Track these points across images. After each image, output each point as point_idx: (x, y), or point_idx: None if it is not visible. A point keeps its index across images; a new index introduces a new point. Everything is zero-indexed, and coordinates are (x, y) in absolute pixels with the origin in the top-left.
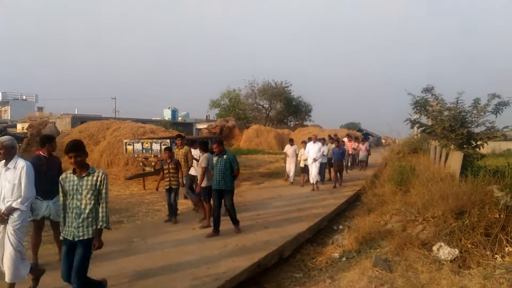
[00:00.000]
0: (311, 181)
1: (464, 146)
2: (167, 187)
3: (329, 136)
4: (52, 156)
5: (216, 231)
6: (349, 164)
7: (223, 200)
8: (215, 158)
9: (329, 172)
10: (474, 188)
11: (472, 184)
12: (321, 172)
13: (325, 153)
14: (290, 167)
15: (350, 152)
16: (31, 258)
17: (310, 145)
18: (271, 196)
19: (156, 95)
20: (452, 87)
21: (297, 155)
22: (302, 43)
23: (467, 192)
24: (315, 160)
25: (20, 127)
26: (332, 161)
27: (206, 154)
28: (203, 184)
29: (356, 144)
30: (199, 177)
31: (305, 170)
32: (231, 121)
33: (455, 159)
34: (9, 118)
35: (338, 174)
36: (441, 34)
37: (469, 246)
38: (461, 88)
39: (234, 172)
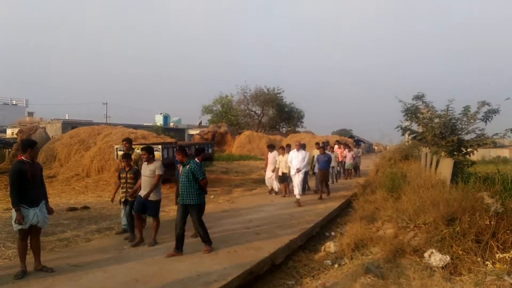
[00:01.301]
0: (296, 195)
1: (455, 153)
2: (123, 199)
3: (316, 143)
4: (34, 161)
5: (178, 250)
6: (340, 171)
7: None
8: (181, 168)
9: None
10: (465, 194)
11: (463, 190)
12: (303, 182)
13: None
14: (271, 177)
15: (340, 160)
16: (19, 266)
17: (293, 153)
18: (263, 203)
19: (148, 101)
20: (444, 90)
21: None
22: (294, 50)
23: (457, 198)
24: (298, 170)
25: (9, 132)
26: (316, 170)
27: (156, 162)
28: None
29: (341, 151)
30: (148, 188)
31: (284, 179)
32: (223, 127)
33: (446, 166)
34: None
35: (323, 184)
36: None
37: (460, 252)
38: (451, 91)
39: (200, 183)
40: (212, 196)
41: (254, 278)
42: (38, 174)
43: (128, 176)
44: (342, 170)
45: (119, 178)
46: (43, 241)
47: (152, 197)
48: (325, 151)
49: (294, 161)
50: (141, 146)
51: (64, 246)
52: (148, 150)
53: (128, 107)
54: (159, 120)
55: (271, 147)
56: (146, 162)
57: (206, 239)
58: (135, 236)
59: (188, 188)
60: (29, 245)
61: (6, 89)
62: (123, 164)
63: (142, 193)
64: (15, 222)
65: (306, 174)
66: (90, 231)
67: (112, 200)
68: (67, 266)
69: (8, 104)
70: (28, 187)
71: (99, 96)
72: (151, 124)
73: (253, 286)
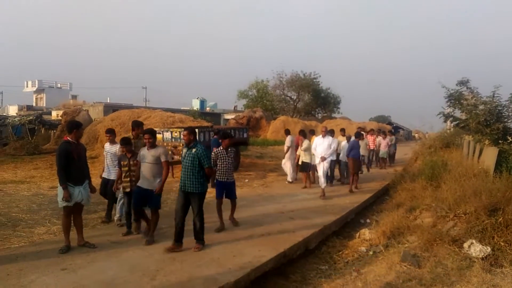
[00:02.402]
0: (321, 186)
1: (500, 141)
2: (127, 189)
3: (341, 129)
4: (79, 142)
5: (178, 243)
6: (371, 160)
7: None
8: (184, 151)
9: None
10: (509, 185)
11: (507, 180)
12: (330, 172)
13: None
14: (286, 164)
15: (372, 148)
16: (64, 241)
17: (318, 139)
18: (297, 188)
19: (186, 85)
20: (488, 82)
21: (297, 148)
22: (333, 34)
23: (501, 188)
24: (323, 159)
25: (54, 114)
26: (343, 159)
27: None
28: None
29: (373, 138)
30: (150, 176)
31: (304, 168)
32: (259, 112)
33: (490, 155)
34: (44, 105)
35: (354, 175)
36: (477, 32)
37: (502, 244)
38: (498, 76)
39: (206, 171)
40: (247, 180)
41: (288, 261)
42: (82, 155)
43: (131, 163)
44: (375, 158)
45: (120, 166)
46: (86, 218)
47: (152, 185)
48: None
49: (319, 148)
50: (181, 130)
51: (106, 223)
52: (152, 133)
53: (167, 92)
54: (196, 105)
55: (287, 132)
56: (148, 147)
57: (200, 236)
58: (136, 230)
59: (192, 174)
60: (72, 222)
61: (51, 73)
62: (123, 150)
63: (142, 182)
64: (62, 199)
65: (332, 163)
66: None
67: (115, 190)
68: (108, 242)
69: (53, 87)
70: (74, 167)
71: (139, 80)
72: (188, 108)
73: (286, 269)
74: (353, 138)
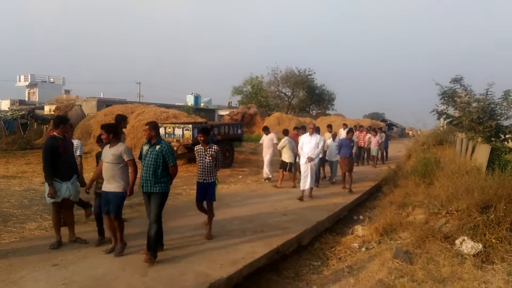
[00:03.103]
0: (302, 187)
1: (492, 139)
2: (98, 190)
3: (328, 125)
4: (66, 137)
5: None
6: (360, 158)
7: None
8: (145, 148)
9: (324, 171)
10: (501, 182)
11: (499, 178)
12: (316, 173)
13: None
14: (264, 161)
15: (361, 145)
16: (55, 237)
17: (305, 138)
18: (291, 184)
19: (180, 81)
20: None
21: (275, 146)
22: (327, 31)
23: (493, 186)
24: (310, 159)
25: (47, 109)
26: (331, 158)
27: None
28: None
29: (363, 135)
30: (110, 178)
31: (284, 166)
32: (253, 108)
33: (482, 152)
34: (37, 100)
35: (346, 174)
36: (473, 26)
37: (494, 241)
38: (491, 80)
39: (170, 169)
40: (241, 177)
41: (281, 257)
42: (69, 150)
43: None
44: (366, 156)
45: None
46: (78, 214)
47: (113, 187)
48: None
49: (306, 147)
50: (175, 125)
51: None
52: (108, 129)
53: (160, 87)
54: (190, 100)
55: (266, 129)
56: (108, 145)
57: (154, 246)
58: (103, 239)
59: (154, 173)
60: (62, 218)
61: (44, 67)
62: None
63: (106, 186)
64: (48, 195)
65: (320, 163)
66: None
67: (87, 191)
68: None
69: (46, 81)
70: (60, 162)
71: (133, 75)
72: (182, 104)
73: (279, 265)
74: (341, 136)
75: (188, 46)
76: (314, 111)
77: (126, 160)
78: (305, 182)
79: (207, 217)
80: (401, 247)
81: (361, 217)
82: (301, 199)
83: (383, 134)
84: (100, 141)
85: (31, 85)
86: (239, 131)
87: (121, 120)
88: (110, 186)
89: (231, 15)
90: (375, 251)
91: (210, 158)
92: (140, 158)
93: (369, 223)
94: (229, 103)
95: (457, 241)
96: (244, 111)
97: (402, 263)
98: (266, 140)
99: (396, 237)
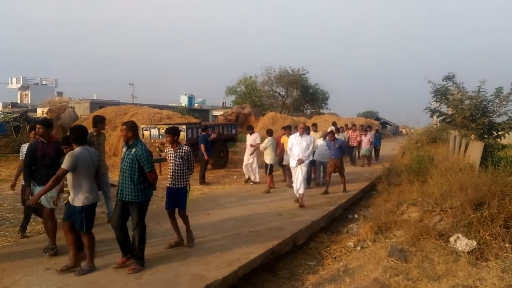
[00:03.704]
0: (296, 192)
1: (485, 136)
2: (65, 201)
3: (313, 124)
4: (51, 140)
5: (126, 254)
6: (354, 158)
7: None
8: (123, 150)
9: (314, 172)
10: (495, 179)
11: (493, 175)
12: (307, 175)
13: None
14: (249, 163)
15: (354, 144)
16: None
17: (295, 138)
18: (285, 184)
19: (173, 82)
20: (474, 78)
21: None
22: (319, 31)
23: (487, 183)
24: (301, 161)
25: (40, 112)
26: (319, 159)
27: (76, 149)
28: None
29: (356, 134)
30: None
31: (271, 169)
32: (247, 108)
33: (475, 149)
34: (29, 102)
35: (331, 175)
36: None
37: (488, 238)
38: (483, 71)
39: (147, 176)
40: (235, 177)
41: (276, 257)
42: (50, 154)
43: None
44: (358, 156)
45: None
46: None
47: (75, 200)
48: (336, 136)
49: (296, 148)
50: (166, 127)
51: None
52: (67, 140)
53: (154, 88)
54: (184, 101)
55: (250, 128)
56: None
57: (139, 254)
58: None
59: (131, 180)
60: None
61: (36, 69)
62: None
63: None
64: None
65: (310, 165)
66: None
67: (13, 187)
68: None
69: (39, 84)
70: (37, 166)
71: (126, 76)
72: (176, 104)
73: (275, 266)
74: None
75: (181, 47)
76: (308, 111)
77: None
78: (297, 187)
79: (185, 226)
80: (396, 246)
81: (356, 216)
82: (298, 202)
83: (373, 132)
84: (67, 144)
85: (23, 88)
86: (234, 131)
87: (98, 121)
88: (70, 197)
89: (225, 15)
90: (370, 249)
91: (180, 160)
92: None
93: (363, 222)
94: (223, 103)
95: (452, 239)
96: (238, 111)
97: (397, 261)
98: (250, 140)
99: (391, 235)
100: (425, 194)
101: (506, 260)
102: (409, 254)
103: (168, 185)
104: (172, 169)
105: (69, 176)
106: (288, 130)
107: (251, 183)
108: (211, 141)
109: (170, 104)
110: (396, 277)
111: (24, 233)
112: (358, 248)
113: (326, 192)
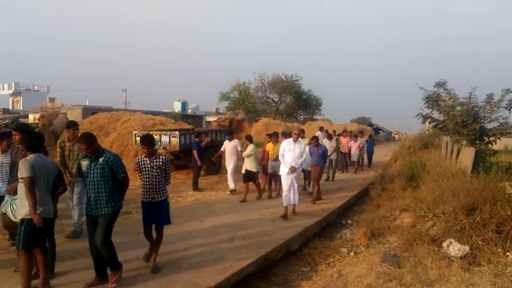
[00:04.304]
0: (286, 203)
1: (476, 142)
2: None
3: (300, 130)
4: (23, 147)
5: (101, 277)
6: (344, 164)
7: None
8: (84, 163)
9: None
10: (486, 184)
11: (484, 180)
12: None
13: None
14: (229, 170)
15: (346, 151)
16: None
17: (287, 145)
18: (267, 195)
19: (167, 87)
20: (465, 84)
21: (239, 153)
22: (312, 38)
23: (478, 188)
24: (293, 169)
25: (32, 118)
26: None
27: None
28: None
29: (347, 140)
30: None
31: (249, 177)
32: (241, 114)
33: (467, 155)
34: (21, 108)
35: (311, 183)
36: (453, 32)
37: (480, 243)
38: (473, 85)
39: (121, 181)
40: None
41: (269, 264)
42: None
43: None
44: (349, 163)
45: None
46: (61, 225)
47: (21, 211)
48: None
49: (289, 155)
50: (161, 132)
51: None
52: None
53: (147, 94)
54: (177, 107)
55: (230, 134)
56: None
57: (113, 263)
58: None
59: (105, 190)
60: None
61: (28, 75)
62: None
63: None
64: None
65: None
66: None
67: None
68: (83, 249)
69: (31, 90)
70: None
71: (119, 82)
72: (170, 110)
73: (268, 272)
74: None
75: (174, 52)
76: (301, 117)
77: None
78: (289, 197)
79: (153, 246)
80: (389, 251)
81: (349, 221)
82: (284, 217)
83: (364, 139)
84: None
85: (15, 94)
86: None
87: (70, 127)
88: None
89: (218, 21)
90: (363, 255)
91: (158, 170)
92: (80, 175)
93: (357, 228)
94: (216, 109)
95: (444, 244)
96: (231, 117)
97: (390, 267)
98: (229, 147)
99: (384, 241)
100: (417, 199)
101: (498, 265)
102: (402, 260)
103: (143, 199)
104: (148, 181)
105: (20, 185)
106: (275, 137)
107: (229, 192)
108: (204, 147)
109: (163, 110)
110: (390, 283)
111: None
112: (352, 253)
113: (317, 199)
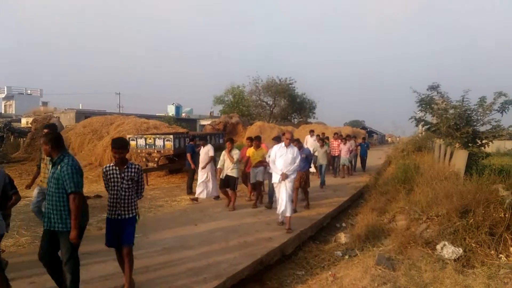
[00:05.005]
0: (281, 214)
1: (469, 144)
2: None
3: (283, 133)
4: None
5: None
6: (336, 168)
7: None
8: (49, 168)
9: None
10: (479, 187)
11: (477, 183)
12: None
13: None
14: (204, 180)
15: (337, 154)
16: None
17: (279, 149)
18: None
19: (160, 91)
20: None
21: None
22: (306, 41)
23: (471, 191)
24: (285, 176)
25: (24, 122)
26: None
27: None
28: None
29: (338, 143)
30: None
31: (226, 183)
32: (235, 118)
33: (460, 158)
34: (14, 112)
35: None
36: (445, 36)
37: (474, 245)
38: (466, 87)
39: (69, 198)
40: None
41: (265, 268)
42: None
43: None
44: (337, 166)
45: (39, 165)
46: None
47: None
48: (302, 144)
49: (280, 161)
50: (156, 136)
51: None
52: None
53: (141, 98)
54: (171, 110)
55: (203, 139)
56: None
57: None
58: None
59: (59, 204)
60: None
61: (21, 79)
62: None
63: None
64: None
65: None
66: (102, 219)
67: (28, 187)
68: (78, 253)
69: (23, 93)
70: None
71: (113, 86)
72: (163, 114)
73: (263, 276)
74: (307, 144)
75: (168, 56)
76: (296, 120)
77: None
78: (282, 208)
79: (125, 268)
80: (384, 254)
81: (343, 224)
82: (282, 223)
83: (353, 142)
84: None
85: (8, 97)
86: (221, 141)
87: (45, 128)
88: None
89: (212, 26)
90: (358, 258)
91: (129, 182)
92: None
93: (351, 231)
94: (210, 113)
95: (438, 246)
96: (226, 120)
97: (384, 269)
98: (203, 153)
99: (379, 243)
100: (411, 202)
101: (492, 267)
102: (396, 262)
103: (108, 216)
104: (116, 195)
105: None
106: (257, 141)
107: (195, 200)
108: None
109: (157, 114)
110: (384, 286)
111: None
112: (346, 257)
113: (308, 206)
